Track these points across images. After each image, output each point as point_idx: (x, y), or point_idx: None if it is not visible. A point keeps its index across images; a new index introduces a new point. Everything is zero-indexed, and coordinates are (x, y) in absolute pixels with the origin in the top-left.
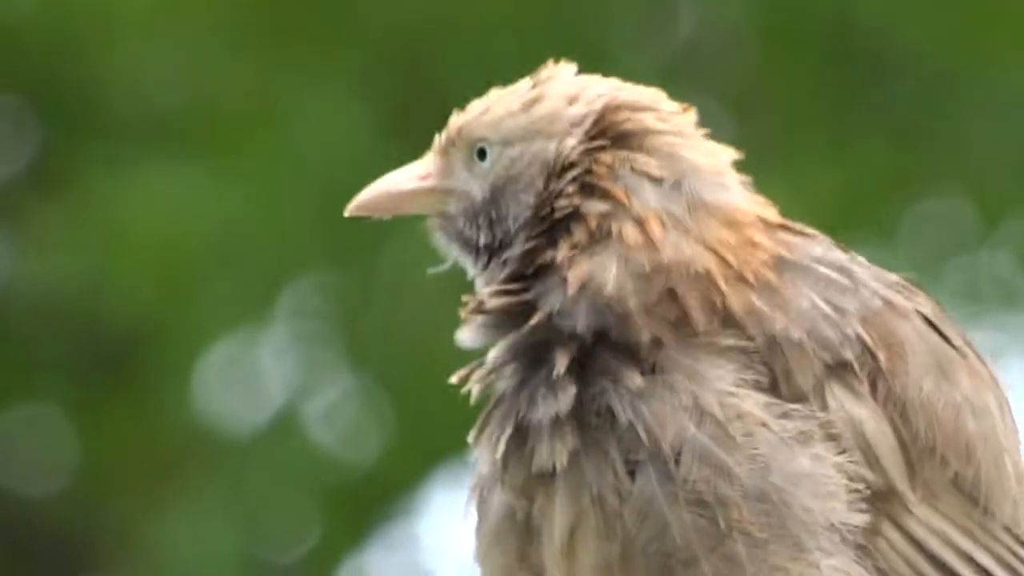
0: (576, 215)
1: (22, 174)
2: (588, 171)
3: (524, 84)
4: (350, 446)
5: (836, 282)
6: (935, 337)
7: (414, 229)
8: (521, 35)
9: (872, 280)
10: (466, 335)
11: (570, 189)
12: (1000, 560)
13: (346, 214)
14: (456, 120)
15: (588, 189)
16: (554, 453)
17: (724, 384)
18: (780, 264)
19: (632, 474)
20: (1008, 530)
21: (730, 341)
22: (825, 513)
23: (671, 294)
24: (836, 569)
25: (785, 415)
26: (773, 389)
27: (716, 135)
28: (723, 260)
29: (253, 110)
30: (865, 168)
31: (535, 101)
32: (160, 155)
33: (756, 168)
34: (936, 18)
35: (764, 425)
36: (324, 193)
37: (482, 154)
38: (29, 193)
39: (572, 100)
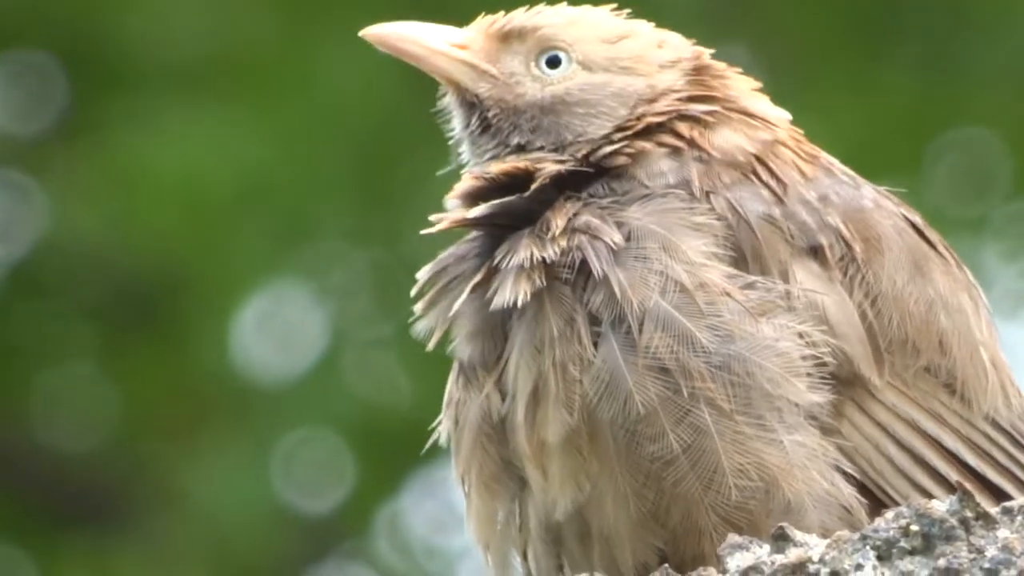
0: (680, 117)
1: (51, 128)
2: (690, 94)
3: (608, 12)
4: (383, 394)
5: (839, 179)
6: (915, 237)
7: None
8: None
9: (869, 184)
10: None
11: (670, 107)
12: (971, 444)
13: (360, 34)
14: (530, 17)
15: (695, 100)
16: (518, 290)
17: (694, 255)
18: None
19: (596, 345)
20: (989, 419)
21: (702, 218)
22: (789, 386)
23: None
24: (800, 444)
25: (749, 286)
26: (740, 264)
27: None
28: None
29: (279, 55)
30: (889, 105)
31: (625, 36)
32: (187, 104)
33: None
34: None
35: (727, 294)
36: (353, 139)
37: (553, 62)
38: (58, 147)
39: (660, 44)
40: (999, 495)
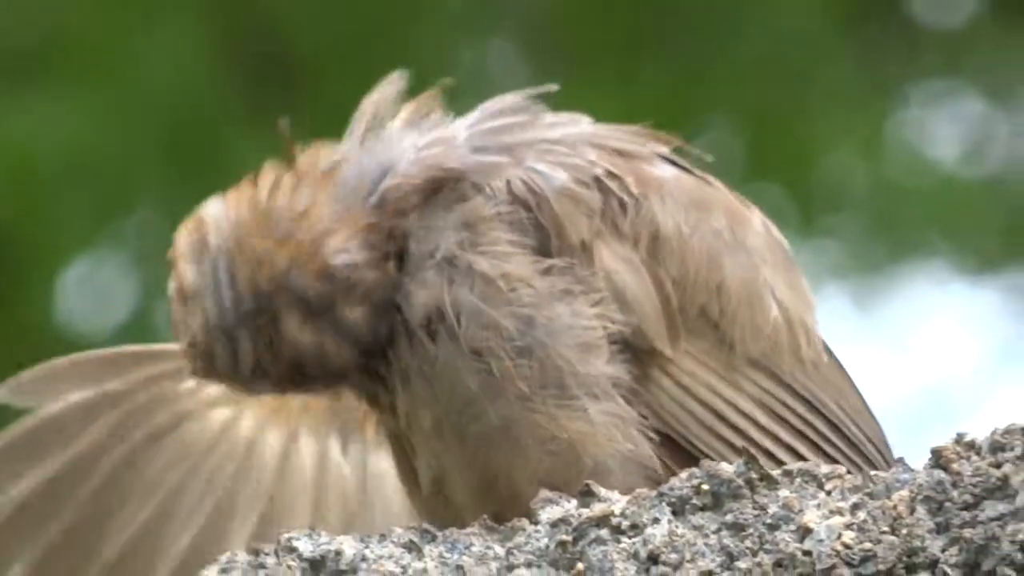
0: None
1: None
2: None
3: None
4: None
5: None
6: (687, 178)
7: (240, 164)
8: None
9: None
10: None
11: None
12: (759, 404)
13: None
14: None
15: None
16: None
17: (497, 247)
18: None
19: (434, 340)
20: (757, 364)
21: (503, 207)
22: (589, 364)
23: None
24: (605, 413)
25: (548, 271)
26: (543, 249)
27: (509, 75)
28: None
29: (100, 41)
30: (647, 103)
31: None
32: (12, 85)
33: (548, 103)
34: None
35: (527, 282)
36: (166, 119)
37: None
38: None
39: None
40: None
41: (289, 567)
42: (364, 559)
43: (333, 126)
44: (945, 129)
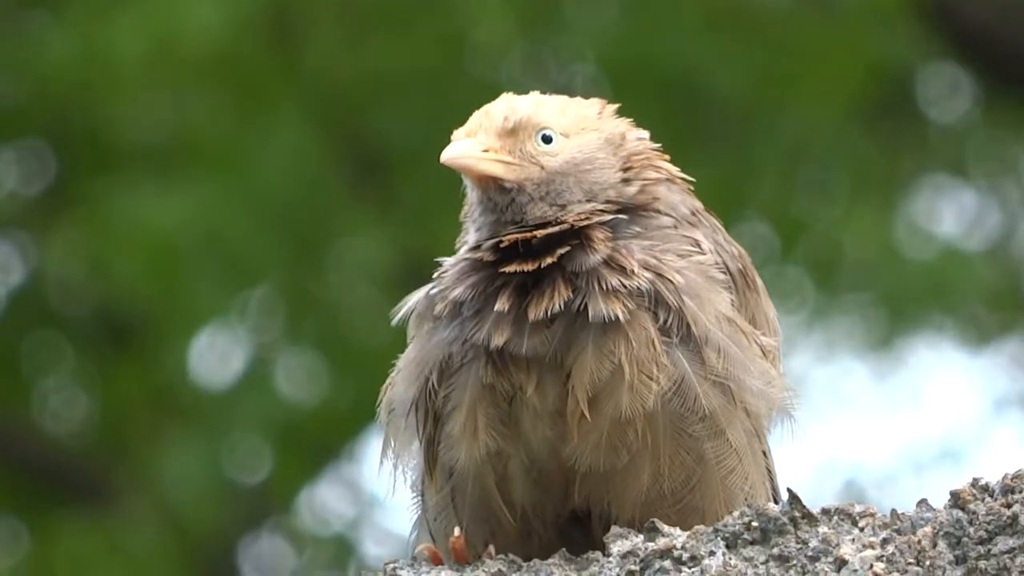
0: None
1: (45, 195)
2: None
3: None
4: (297, 398)
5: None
6: None
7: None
8: (432, 82)
9: None
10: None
11: (641, 146)
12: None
13: (441, 161)
14: (518, 109)
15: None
16: (612, 309)
17: (725, 308)
18: None
19: (666, 352)
20: None
21: (719, 274)
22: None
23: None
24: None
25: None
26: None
27: None
28: None
29: (226, 139)
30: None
31: (565, 105)
32: (152, 176)
33: None
34: (746, 73)
35: (754, 338)
36: (281, 205)
37: (547, 139)
38: (50, 208)
39: (578, 103)
40: None
41: None
42: None
43: (419, 206)
44: (948, 212)
